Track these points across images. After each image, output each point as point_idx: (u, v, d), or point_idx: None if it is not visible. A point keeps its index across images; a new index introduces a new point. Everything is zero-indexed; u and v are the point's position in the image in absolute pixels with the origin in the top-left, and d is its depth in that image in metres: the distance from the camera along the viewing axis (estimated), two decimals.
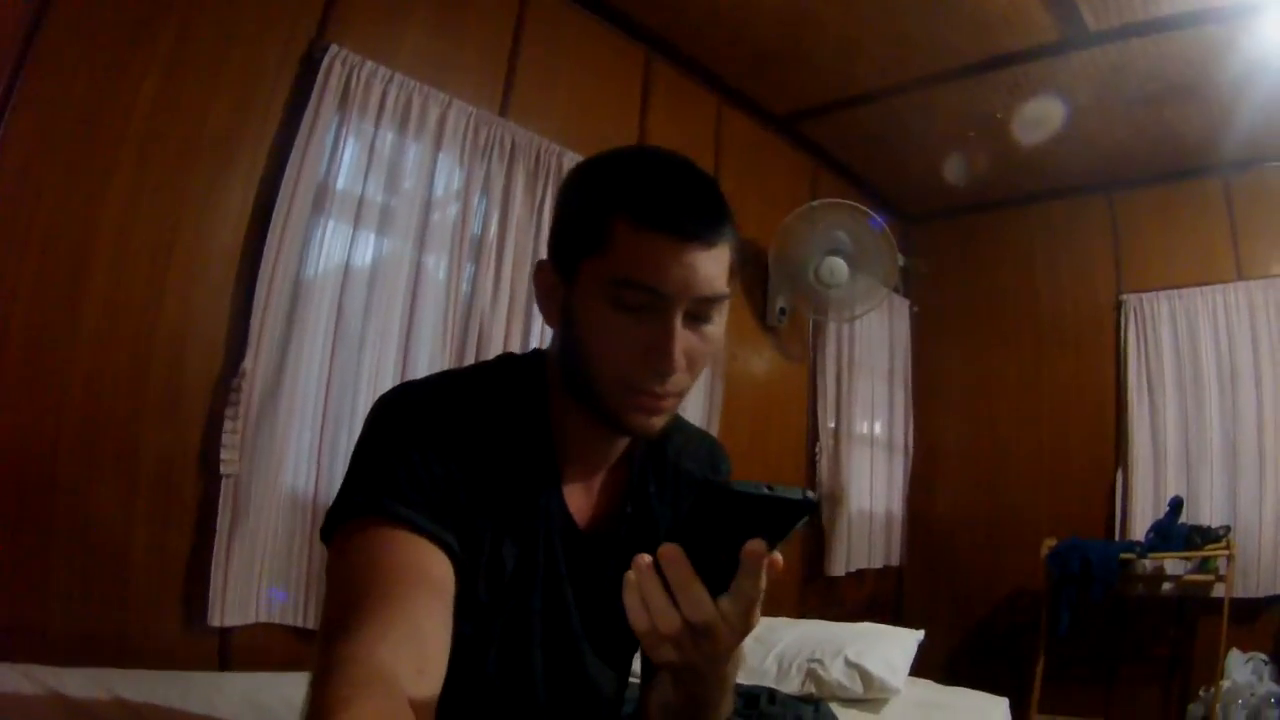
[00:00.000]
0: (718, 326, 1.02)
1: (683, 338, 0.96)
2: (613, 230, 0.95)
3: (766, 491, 0.67)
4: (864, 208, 4.20)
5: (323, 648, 0.76)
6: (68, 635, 2.04)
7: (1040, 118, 4.20)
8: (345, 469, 1.00)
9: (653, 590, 0.73)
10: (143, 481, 2.22)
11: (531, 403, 1.08)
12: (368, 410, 1.04)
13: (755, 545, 0.71)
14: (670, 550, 0.72)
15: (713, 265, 0.96)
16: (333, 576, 0.88)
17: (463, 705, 1.01)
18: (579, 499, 1.11)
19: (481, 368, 1.14)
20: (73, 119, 2.13)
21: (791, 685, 2.89)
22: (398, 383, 1.16)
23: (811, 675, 2.89)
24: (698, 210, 0.96)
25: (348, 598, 0.82)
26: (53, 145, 2.10)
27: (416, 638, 0.79)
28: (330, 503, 0.96)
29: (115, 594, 2.16)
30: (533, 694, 1.06)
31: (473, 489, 0.98)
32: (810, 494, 0.69)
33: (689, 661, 0.78)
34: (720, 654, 0.78)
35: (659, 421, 1.02)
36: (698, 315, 0.98)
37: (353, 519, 0.91)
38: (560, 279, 1.02)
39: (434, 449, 0.96)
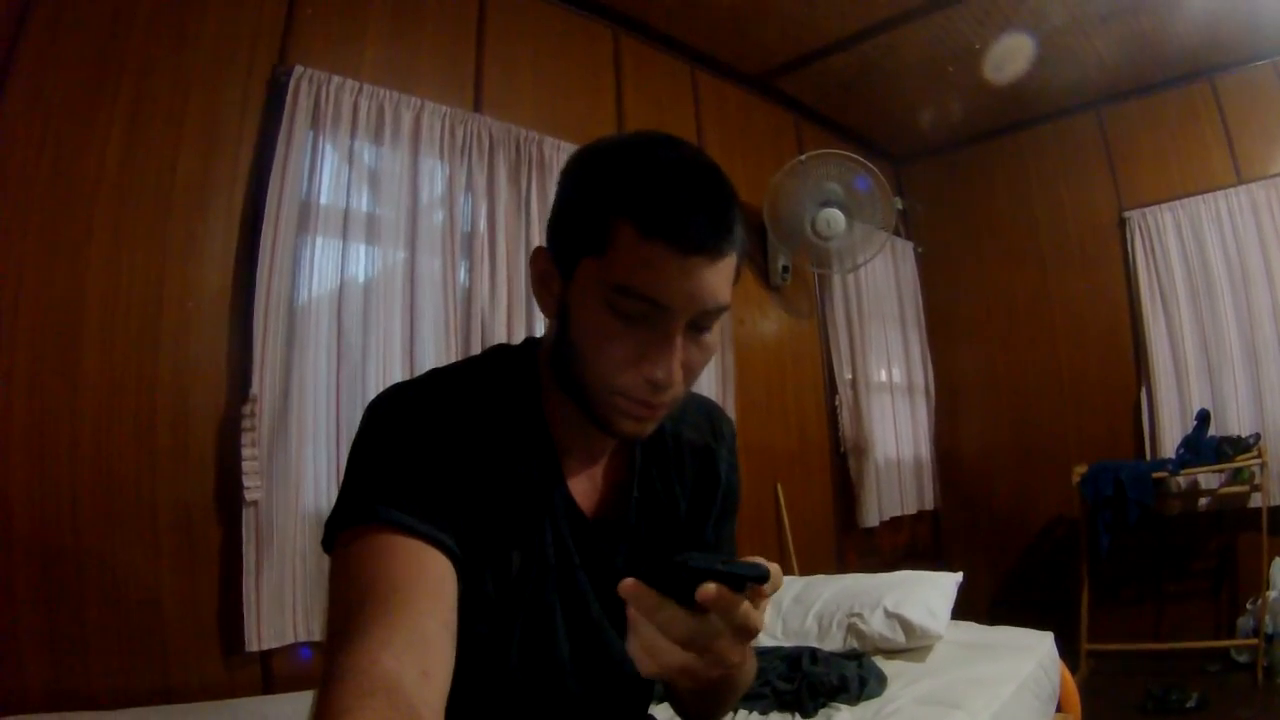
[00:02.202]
0: (716, 335, 0.99)
1: (682, 350, 0.93)
2: (615, 233, 0.90)
3: (720, 567, 0.69)
4: (852, 155, 4.16)
5: (327, 658, 0.76)
6: (111, 686, 2.07)
7: (1015, 45, 4.15)
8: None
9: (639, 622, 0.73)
10: (163, 528, 2.24)
11: (525, 395, 1.05)
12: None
13: (707, 589, 0.69)
14: (629, 584, 0.72)
15: (719, 277, 0.92)
16: (334, 586, 0.87)
17: (489, 703, 1.01)
18: (583, 488, 1.09)
19: (472, 362, 1.11)
20: (44, 188, 2.13)
21: (834, 642, 2.90)
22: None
23: (853, 630, 2.89)
24: (708, 220, 0.90)
25: (349, 606, 0.81)
26: (28, 217, 2.10)
27: (420, 642, 0.78)
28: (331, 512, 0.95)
29: (154, 639, 2.19)
30: (562, 684, 1.05)
31: (470, 487, 0.96)
32: (761, 563, 0.71)
33: (699, 676, 0.76)
34: (727, 660, 0.76)
35: (649, 427, 0.99)
36: (698, 326, 0.94)
37: (350, 527, 0.90)
38: (556, 271, 0.99)
39: (427, 450, 0.95)
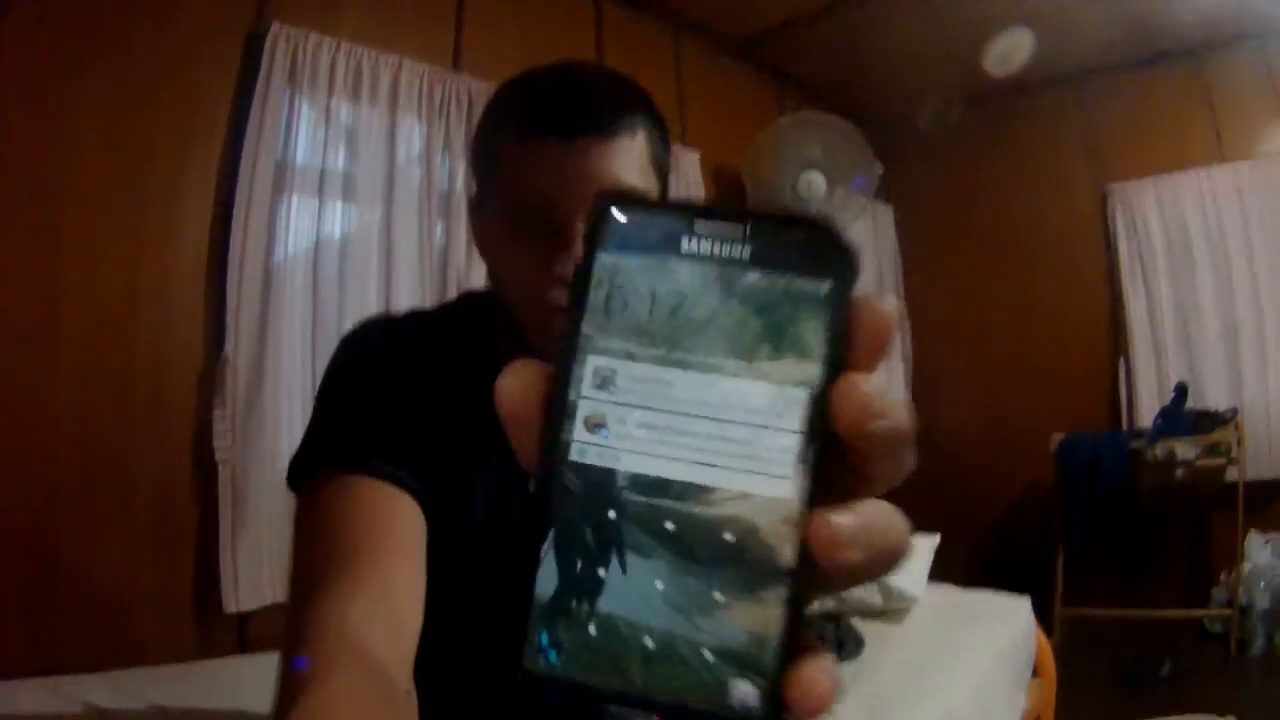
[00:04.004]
0: None
1: None
2: (501, 150, 0.89)
3: None
4: (833, 117, 4.13)
5: (292, 612, 0.72)
6: (86, 647, 2.04)
7: (1006, 18, 4.14)
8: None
9: None
10: (140, 489, 2.23)
11: (486, 340, 1.02)
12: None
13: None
14: None
15: (616, 159, 0.85)
16: (299, 531, 0.83)
17: (456, 654, 0.99)
18: None
19: (446, 306, 1.10)
20: (21, 148, 2.08)
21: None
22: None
23: None
24: (582, 101, 0.86)
25: (315, 556, 0.78)
26: (5, 176, 2.05)
27: (387, 596, 0.75)
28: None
29: (130, 601, 2.17)
30: None
31: (438, 431, 0.92)
32: None
33: None
34: None
35: None
36: None
37: (318, 468, 0.87)
38: (480, 215, 0.97)
39: (397, 390, 0.92)
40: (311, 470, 0.88)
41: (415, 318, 1.04)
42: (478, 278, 2.88)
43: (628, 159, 0.87)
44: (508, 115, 0.89)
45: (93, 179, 2.20)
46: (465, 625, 0.99)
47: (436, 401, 0.94)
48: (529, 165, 0.86)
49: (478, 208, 0.98)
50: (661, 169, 0.93)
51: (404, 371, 0.94)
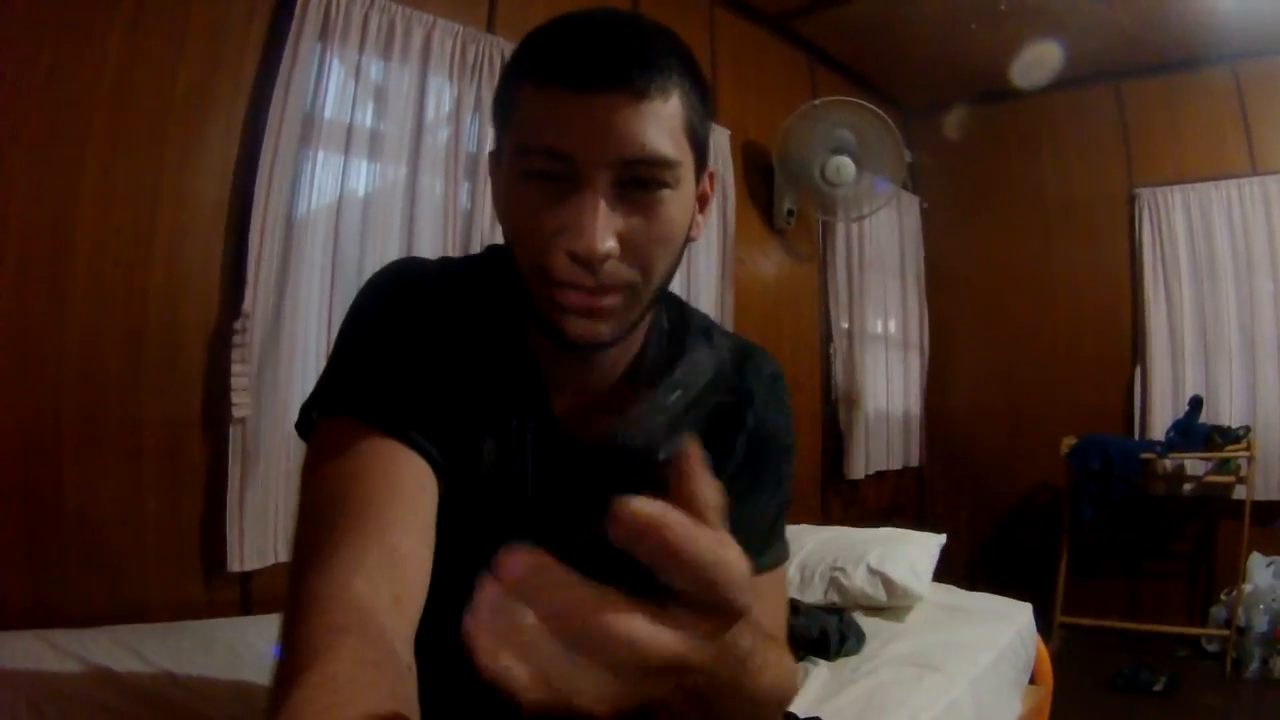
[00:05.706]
0: (673, 205, 0.83)
1: (612, 215, 0.79)
2: (519, 95, 0.81)
3: None
4: (867, 104, 4.06)
5: (295, 576, 0.71)
6: (89, 604, 2.02)
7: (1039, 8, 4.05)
8: None
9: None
10: (148, 444, 2.18)
11: (506, 299, 0.96)
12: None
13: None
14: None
15: (642, 120, 0.78)
16: (305, 484, 0.80)
17: (447, 628, 0.96)
18: (576, 422, 0.97)
19: (474, 259, 1.03)
20: (38, 96, 2.01)
21: (815, 594, 2.89)
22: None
23: (834, 584, 2.89)
24: (612, 52, 0.78)
25: (320, 517, 0.76)
26: (21, 124, 1.99)
27: (393, 563, 0.72)
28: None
29: (132, 556, 2.14)
30: None
31: (453, 392, 0.88)
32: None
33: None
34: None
35: (601, 327, 0.84)
36: (635, 187, 0.80)
37: (330, 415, 0.84)
38: (496, 165, 0.90)
39: (418, 345, 0.88)
40: (324, 416, 0.85)
41: (443, 267, 1.00)
42: (501, 240, 2.84)
43: (655, 123, 0.79)
44: (531, 58, 0.82)
45: (109, 120, 2.14)
46: (464, 596, 0.95)
47: (454, 360, 0.91)
48: (545, 115, 0.79)
49: (496, 157, 0.91)
50: (696, 138, 0.85)
51: (426, 325, 0.91)
